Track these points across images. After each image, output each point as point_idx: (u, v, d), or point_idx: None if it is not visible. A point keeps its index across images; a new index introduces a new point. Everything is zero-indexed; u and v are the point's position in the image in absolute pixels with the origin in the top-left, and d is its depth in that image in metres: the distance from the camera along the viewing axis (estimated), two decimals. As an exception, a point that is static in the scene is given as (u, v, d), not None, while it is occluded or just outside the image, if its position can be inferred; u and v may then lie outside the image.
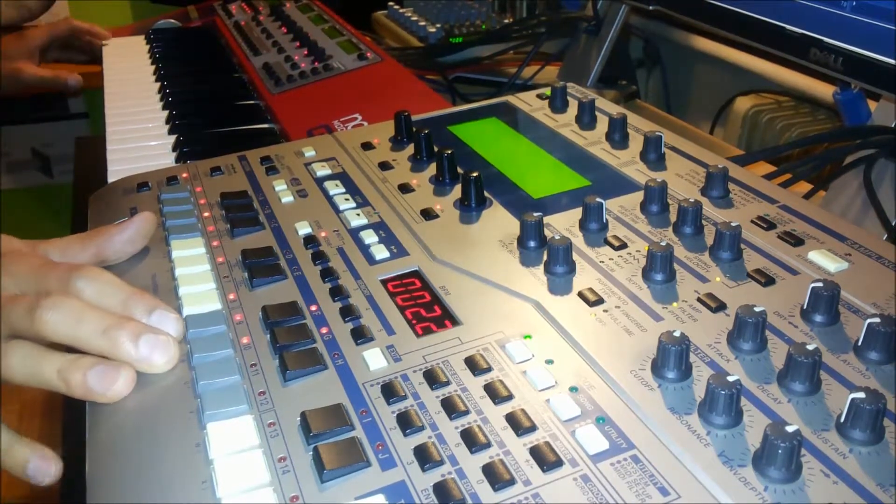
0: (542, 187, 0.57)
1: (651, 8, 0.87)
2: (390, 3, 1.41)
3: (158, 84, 1.00)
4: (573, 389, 0.38)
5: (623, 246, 0.49)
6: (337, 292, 0.47)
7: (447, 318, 0.44)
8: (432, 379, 0.39)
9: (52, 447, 0.44)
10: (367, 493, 0.33)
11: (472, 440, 0.35)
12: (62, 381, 0.40)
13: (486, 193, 0.56)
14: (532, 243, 0.49)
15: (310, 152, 0.66)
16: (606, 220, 0.52)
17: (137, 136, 0.85)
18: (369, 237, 0.52)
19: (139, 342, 0.41)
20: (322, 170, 0.62)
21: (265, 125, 0.87)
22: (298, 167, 0.64)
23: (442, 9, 1.34)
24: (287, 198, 0.58)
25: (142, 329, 0.42)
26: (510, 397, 0.38)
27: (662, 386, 0.37)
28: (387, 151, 0.65)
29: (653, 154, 0.59)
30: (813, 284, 0.41)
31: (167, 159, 0.79)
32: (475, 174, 0.55)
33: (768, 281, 0.44)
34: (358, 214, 0.55)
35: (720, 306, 0.42)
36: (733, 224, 0.46)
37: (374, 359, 0.41)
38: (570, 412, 0.36)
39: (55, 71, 1.26)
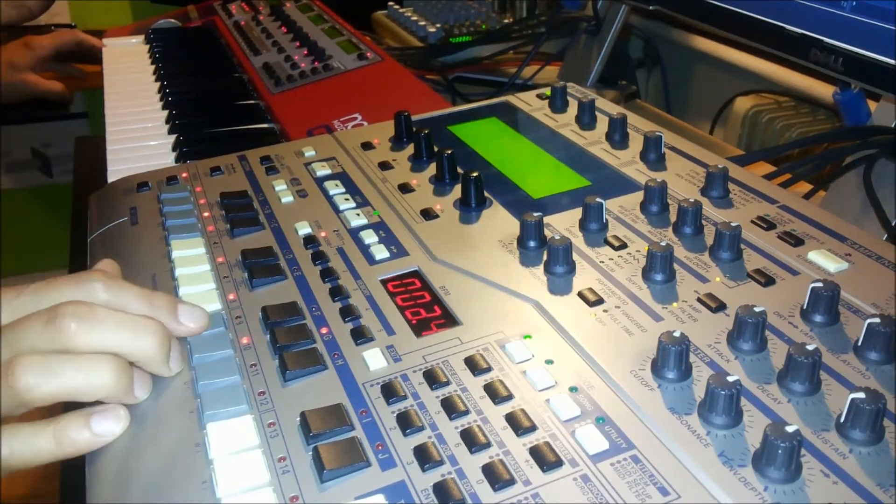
0: (542, 187, 0.57)
1: (651, 8, 0.87)
2: (390, 3, 1.41)
3: (158, 84, 1.00)
4: (573, 389, 0.38)
5: (623, 246, 0.49)
6: (337, 292, 0.47)
7: (447, 318, 0.44)
8: (432, 379, 0.39)
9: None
10: (366, 493, 0.33)
11: (471, 440, 0.35)
12: (59, 443, 0.38)
13: (486, 193, 0.56)
14: (532, 243, 0.49)
15: (310, 152, 0.66)
16: (606, 220, 0.52)
17: (137, 136, 0.85)
18: (369, 237, 0.52)
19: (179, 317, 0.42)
20: (322, 170, 0.62)
21: (265, 125, 0.87)
22: (298, 167, 0.64)
23: (442, 9, 1.34)
24: (287, 198, 0.58)
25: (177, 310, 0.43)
26: (510, 397, 0.38)
27: (662, 386, 0.37)
28: (387, 151, 0.65)
29: (653, 154, 0.59)
30: (813, 284, 0.41)
31: (167, 159, 0.79)
32: (475, 174, 0.55)
33: (768, 281, 0.44)
34: (358, 214, 0.55)
35: (720, 306, 0.42)
36: (733, 224, 0.46)
37: (374, 359, 0.41)
38: (569, 412, 0.36)
39: (61, 84, 1.27)
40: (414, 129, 0.66)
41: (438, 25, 1.26)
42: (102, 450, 0.38)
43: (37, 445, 0.37)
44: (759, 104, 0.97)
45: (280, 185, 0.60)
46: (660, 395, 0.37)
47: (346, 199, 0.57)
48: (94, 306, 0.40)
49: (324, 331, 0.44)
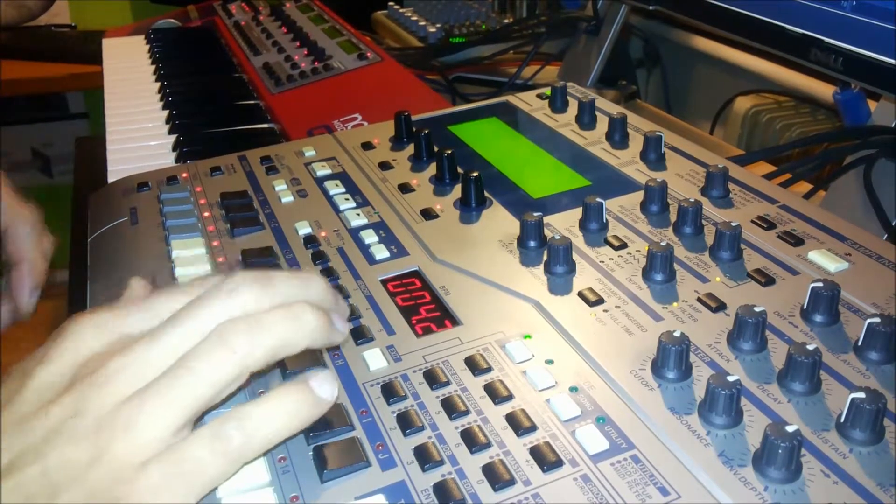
0: (542, 187, 0.57)
1: (651, 8, 0.87)
2: (390, 3, 1.41)
3: (158, 84, 1.00)
4: (573, 389, 0.38)
5: (623, 246, 0.49)
6: (337, 292, 0.46)
7: (447, 318, 0.44)
8: (432, 379, 0.39)
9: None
10: (367, 493, 0.33)
11: (472, 440, 0.35)
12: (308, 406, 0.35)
13: (486, 193, 0.56)
14: (532, 243, 0.49)
15: (310, 152, 0.66)
16: (606, 219, 0.52)
17: (137, 136, 0.85)
18: (369, 237, 0.52)
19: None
20: (322, 170, 0.62)
21: (265, 125, 0.87)
22: (298, 167, 0.64)
23: (442, 9, 1.34)
24: (287, 198, 0.58)
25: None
26: (510, 397, 0.38)
27: (662, 386, 0.37)
28: (387, 151, 0.65)
29: (653, 154, 0.59)
30: (813, 284, 0.41)
31: (167, 159, 0.79)
32: (475, 174, 0.55)
33: (768, 281, 0.44)
34: (358, 214, 0.55)
35: (720, 306, 0.42)
36: (733, 224, 0.46)
37: (374, 359, 0.41)
38: (570, 412, 0.36)
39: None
40: (414, 129, 0.66)
41: (438, 25, 1.26)
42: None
43: (276, 420, 0.34)
44: (759, 104, 0.97)
45: (280, 185, 0.60)
46: (660, 394, 0.37)
47: (347, 199, 0.57)
48: (264, 273, 0.37)
49: (324, 331, 0.44)
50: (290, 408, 0.34)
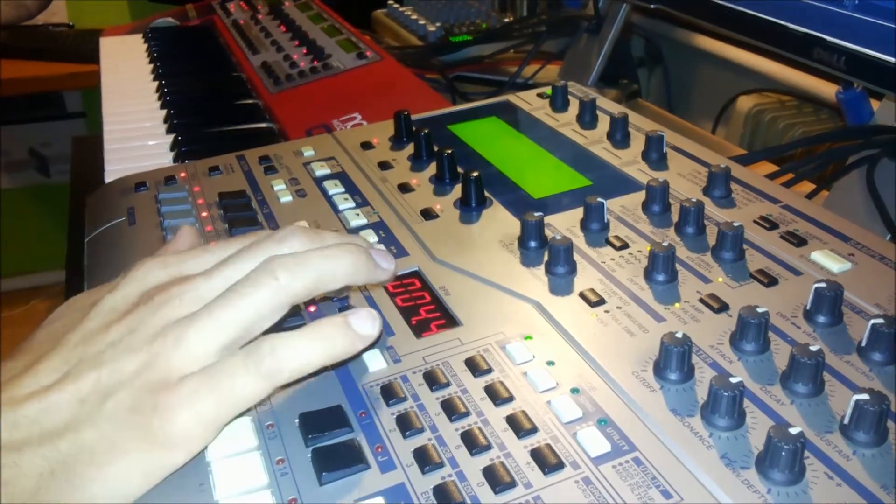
0: (542, 187, 0.57)
1: (653, 6, 0.87)
2: (390, 2, 1.41)
3: (156, 83, 1.00)
4: (574, 391, 0.38)
5: (624, 246, 0.48)
6: (335, 292, 0.46)
7: (447, 319, 0.44)
8: (432, 380, 0.39)
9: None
10: (366, 495, 0.33)
11: (472, 442, 0.35)
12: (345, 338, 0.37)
13: (486, 193, 0.56)
14: (533, 243, 0.49)
15: (309, 152, 0.66)
16: (608, 220, 0.51)
17: (135, 136, 0.85)
18: (369, 237, 0.52)
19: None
20: (321, 169, 0.62)
21: (264, 124, 0.86)
22: (297, 167, 0.63)
23: (442, 7, 1.34)
24: (286, 197, 0.58)
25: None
26: (511, 399, 0.37)
27: (664, 387, 0.37)
28: (386, 151, 0.65)
29: (654, 153, 0.59)
30: (816, 285, 0.40)
31: (165, 159, 0.79)
32: (475, 174, 0.55)
33: (771, 281, 0.44)
34: (357, 214, 0.55)
35: (722, 307, 0.42)
36: (735, 224, 0.46)
37: (374, 360, 0.40)
38: (571, 414, 0.36)
39: None
40: (414, 128, 0.66)
41: (438, 24, 1.25)
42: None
43: (304, 350, 0.36)
44: (761, 103, 0.96)
45: (279, 185, 0.60)
46: (662, 396, 0.37)
47: (346, 199, 0.57)
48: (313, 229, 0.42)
49: (323, 331, 0.43)
50: (325, 339, 0.36)
